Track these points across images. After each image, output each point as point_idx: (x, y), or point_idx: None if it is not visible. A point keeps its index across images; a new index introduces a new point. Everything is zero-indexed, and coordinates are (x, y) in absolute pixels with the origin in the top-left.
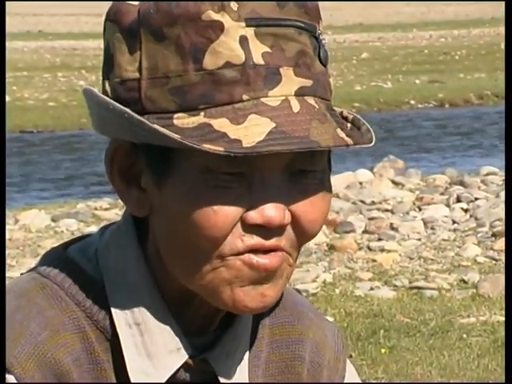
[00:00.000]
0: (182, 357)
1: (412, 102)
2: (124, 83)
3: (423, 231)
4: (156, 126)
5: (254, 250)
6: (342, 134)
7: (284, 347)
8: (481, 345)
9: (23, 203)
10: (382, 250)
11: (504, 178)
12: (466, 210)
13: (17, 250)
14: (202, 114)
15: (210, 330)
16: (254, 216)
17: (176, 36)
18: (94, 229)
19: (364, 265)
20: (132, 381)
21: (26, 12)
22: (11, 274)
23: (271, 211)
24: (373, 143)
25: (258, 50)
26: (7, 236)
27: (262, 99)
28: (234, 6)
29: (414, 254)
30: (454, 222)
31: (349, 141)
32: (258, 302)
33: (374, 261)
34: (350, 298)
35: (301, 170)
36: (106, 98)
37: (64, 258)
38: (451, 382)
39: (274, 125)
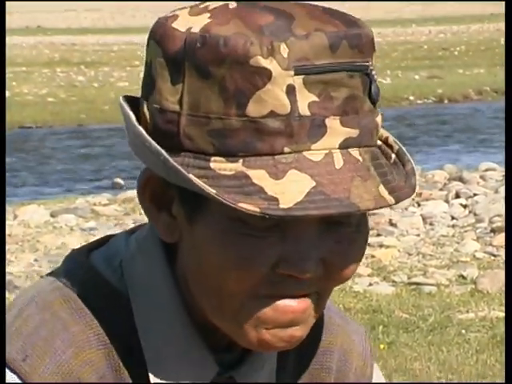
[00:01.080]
0: (209, 377)
1: (411, 97)
2: (163, 113)
3: (422, 227)
4: (191, 177)
5: (282, 295)
6: (385, 193)
7: (311, 358)
8: (479, 340)
9: (22, 199)
10: (381, 245)
11: (504, 173)
12: (464, 206)
13: (16, 245)
14: (241, 161)
15: (238, 347)
16: (284, 267)
17: (221, 76)
18: (93, 224)
19: (363, 260)
20: None
21: (25, 7)
22: (10, 269)
23: (303, 266)
24: (415, 192)
25: (305, 100)
26: (6, 231)
27: (304, 153)
28: (283, 50)
29: (412, 250)
30: (452, 217)
31: (390, 200)
32: (284, 343)
33: (373, 256)
34: (349, 293)
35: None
36: (143, 133)
37: (88, 268)
38: (449, 379)
39: (313, 184)
